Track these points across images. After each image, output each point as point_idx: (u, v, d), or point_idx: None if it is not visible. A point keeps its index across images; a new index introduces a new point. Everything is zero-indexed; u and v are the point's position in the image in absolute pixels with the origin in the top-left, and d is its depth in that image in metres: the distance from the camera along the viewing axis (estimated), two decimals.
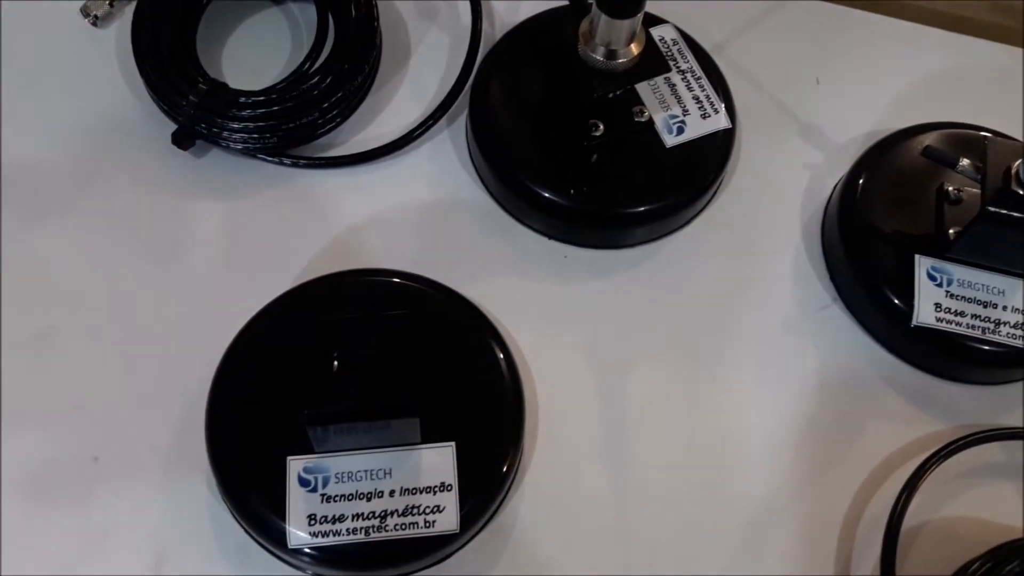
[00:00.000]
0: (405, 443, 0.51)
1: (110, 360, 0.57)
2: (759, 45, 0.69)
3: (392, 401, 0.47)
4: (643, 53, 0.56)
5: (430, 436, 0.52)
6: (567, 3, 0.58)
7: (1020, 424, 0.59)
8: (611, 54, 0.56)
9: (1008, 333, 0.58)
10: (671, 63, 0.63)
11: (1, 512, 0.53)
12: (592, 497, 0.56)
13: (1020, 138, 0.65)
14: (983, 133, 0.63)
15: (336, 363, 0.48)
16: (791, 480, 0.57)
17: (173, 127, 0.61)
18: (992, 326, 0.58)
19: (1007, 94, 0.69)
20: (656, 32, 0.64)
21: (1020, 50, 0.71)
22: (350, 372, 0.48)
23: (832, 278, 0.62)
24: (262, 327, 0.55)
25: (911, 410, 0.59)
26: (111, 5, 0.65)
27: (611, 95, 0.59)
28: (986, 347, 0.58)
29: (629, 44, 0.56)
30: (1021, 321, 0.58)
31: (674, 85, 0.63)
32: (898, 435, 0.58)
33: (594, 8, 0.54)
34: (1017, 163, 0.55)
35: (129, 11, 0.63)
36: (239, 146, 0.61)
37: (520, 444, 0.54)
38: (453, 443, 0.52)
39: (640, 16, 0.54)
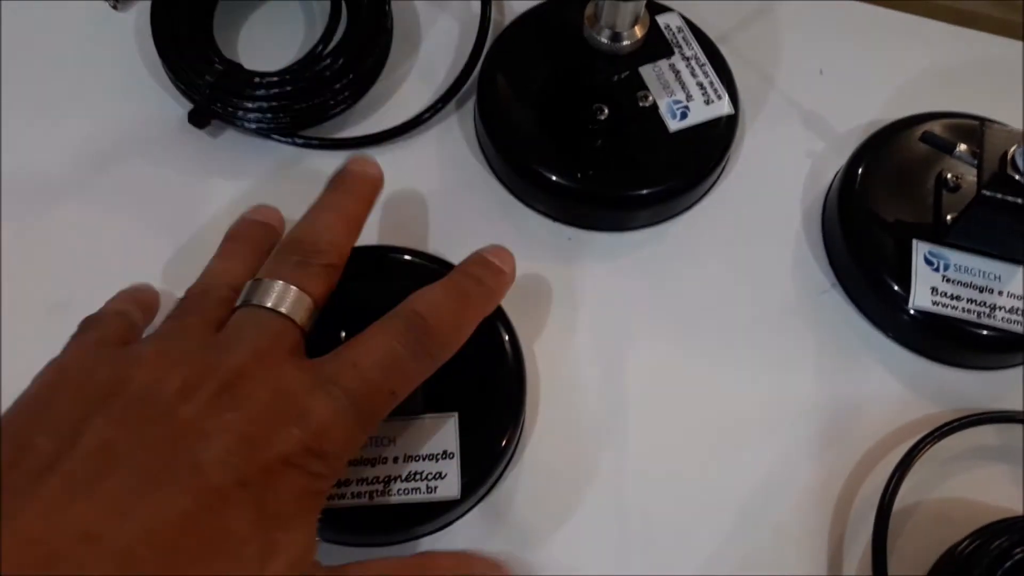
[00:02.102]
0: (407, 412, 0.53)
1: None
2: (765, 35, 0.70)
3: None
4: (647, 36, 0.58)
5: (434, 407, 0.53)
6: None
7: (1017, 408, 0.60)
8: (616, 36, 0.57)
9: (1004, 318, 0.59)
10: (676, 49, 0.65)
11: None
12: (591, 472, 0.57)
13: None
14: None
15: (343, 335, 0.50)
16: (787, 458, 0.58)
17: (190, 107, 0.63)
18: (988, 310, 0.59)
19: (1010, 87, 0.70)
20: (662, 19, 0.65)
21: (1020, 43, 0.72)
22: None
23: (831, 263, 0.63)
24: None
25: (907, 393, 0.60)
26: None
27: (616, 78, 0.60)
28: (982, 331, 0.59)
29: (633, 27, 0.57)
30: (1017, 306, 0.59)
31: (678, 71, 0.64)
32: (894, 417, 0.59)
33: None
34: (1014, 148, 0.56)
35: None
36: (253, 126, 0.62)
37: (520, 419, 0.56)
38: (456, 414, 0.53)
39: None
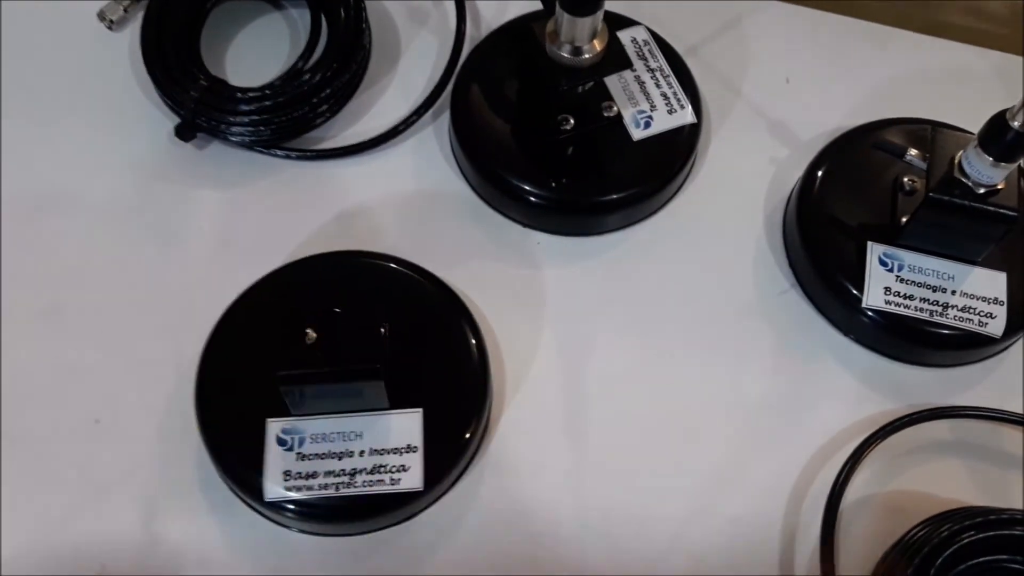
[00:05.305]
0: (376, 408, 0.56)
1: (112, 333, 0.62)
2: (733, 47, 0.73)
3: (356, 366, 0.52)
4: (606, 49, 0.60)
5: (401, 403, 0.56)
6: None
7: (972, 404, 0.61)
8: (576, 51, 0.60)
9: (955, 316, 0.61)
10: (641, 62, 0.67)
11: (2, 469, 0.58)
12: (553, 466, 0.59)
13: None
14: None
15: (312, 333, 0.53)
16: (744, 453, 0.60)
17: (177, 121, 0.66)
18: (940, 309, 0.61)
19: (974, 94, 0.72)
20: (628, 33, 0.68)
21: (987, 51, 0.74)
22: (323, 341, 0.53)
23: (791, 265, 0.65)
24: (249, 303, 0.59)
25: (863, 390, 0.62)
26: (125, 10, 0.70)
27: (580, 89, 0.63)
28: (934, 329, 0.61)
29: (592, 40, 0.60)
30: (970, 305, 0.61)
31: (643, 82, 0.67)
32: (848, 413, 0.61)
33: (558, 8, 0.58)
34: (961, 152, 0.58)
35: (141, 16, 0.68)
36: (237, 139, 0.66)
37: (484, 414, 0.58)
38: (421, 410, 0.56)
39: (600, 14, 0.58)
